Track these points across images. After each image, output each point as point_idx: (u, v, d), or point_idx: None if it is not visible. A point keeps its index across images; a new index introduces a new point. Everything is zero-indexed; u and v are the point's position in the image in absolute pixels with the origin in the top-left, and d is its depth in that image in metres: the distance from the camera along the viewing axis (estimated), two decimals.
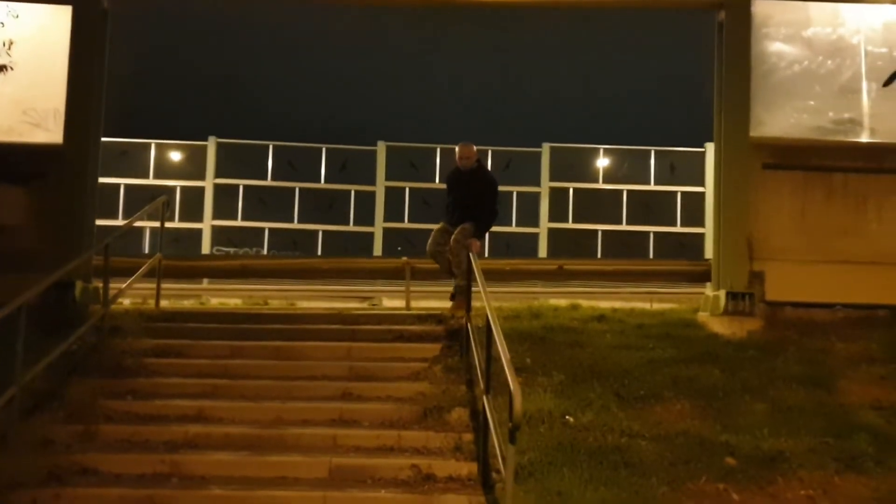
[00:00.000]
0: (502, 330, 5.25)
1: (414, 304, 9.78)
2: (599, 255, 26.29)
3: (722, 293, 8.28)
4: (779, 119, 8.48)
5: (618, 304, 9.59)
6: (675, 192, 28.17)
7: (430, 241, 7.95)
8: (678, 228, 27.91)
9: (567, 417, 5.98)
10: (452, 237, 7.69)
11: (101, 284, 7.21)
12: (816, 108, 8.49)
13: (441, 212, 8.35)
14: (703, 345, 7.55)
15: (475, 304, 6.82)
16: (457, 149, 8.05)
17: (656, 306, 9.83)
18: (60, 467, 5.18)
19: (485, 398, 5.34)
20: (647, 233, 27.97)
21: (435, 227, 8.08)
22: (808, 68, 8.56)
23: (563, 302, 9.44)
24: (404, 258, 10.30)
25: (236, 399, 6.23)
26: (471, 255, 6.83)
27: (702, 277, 10.07)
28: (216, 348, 7.07)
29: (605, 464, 5.38)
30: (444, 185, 8.25)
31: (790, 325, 8.02)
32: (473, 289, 6.85)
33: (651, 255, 26.68)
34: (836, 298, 8.19)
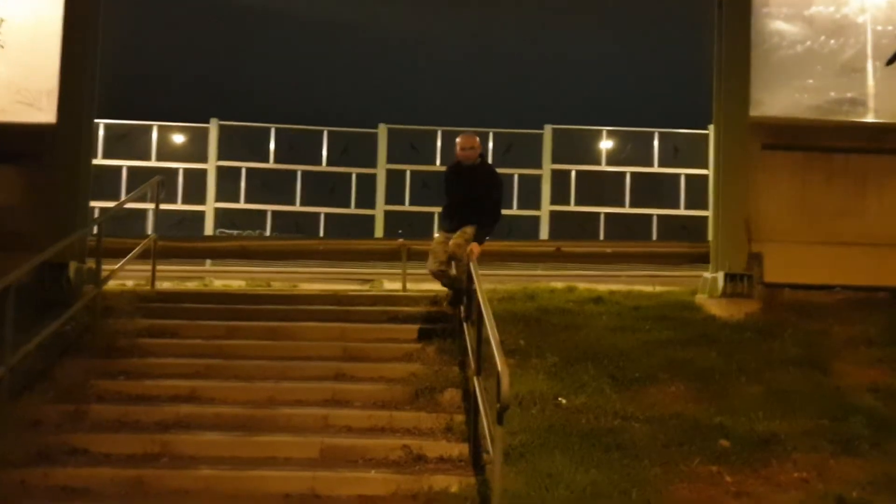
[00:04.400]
0: (496, 311, 5.24)
1: (411, 286, 9.74)
2: (602, 238, 26.14)
3: (720, 275, 8.22)
4: (779, 99, 8.39)
5: (616, 287, 9.51)
6: (679, 175, 27.95)
7: (430, 259, 6.94)
8: (681, 211, 27.72)
9: (560, 399, 5.96)
10: (453, 240, 6.83)
11: (95, 265, 7.18)
12: (817, 87, 8.41)
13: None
14: (700, 327, 7.51)
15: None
16: (458, 140, 7.05)
17: (657, 289, 9.74)
18: (50, 447, 5.17)
19: (475, 379, 5.31)
20: (650, 215, 27.80)
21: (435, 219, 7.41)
22: (809, 47, 8.46)
23: (559, 284, 9.38)
24: (400, 240, 10.27)
25: (229, 379, 6.23)
26: (471, 264, 6.14)
27: (701, 259, 9.98)
28: (211, 329, 7.06)
29: (597, 446, 5.36)
30: (445, 168, 7.44)
31: (788, 307, 7.95)
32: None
33: (654, 238, 26.51)
34: (835, 280, 8.12)
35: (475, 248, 6.57)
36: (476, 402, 5.27)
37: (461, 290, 6.76)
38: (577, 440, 5.40)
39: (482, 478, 4.97)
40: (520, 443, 5.30)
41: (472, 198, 6.86)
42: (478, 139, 7.14)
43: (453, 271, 6.92)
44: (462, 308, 6.64)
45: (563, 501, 4.70)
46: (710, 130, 28.07)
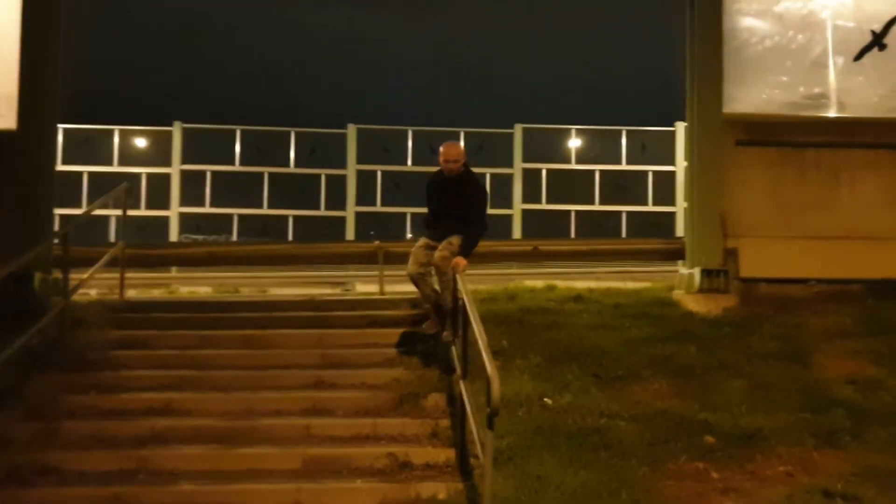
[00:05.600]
0: (478, 312, 5.14)
1: (387, 288, 9.64)
2: (573, 236, 26.32)
3: (697, 271, 8.26)
4: (751, 95, 8.45)
5: (593, 285, 9.53)
6: (647, 172, 28.26)
7: (410, 261, 6.66)
8: (650, 207, 28.04)
9: (545, 400, 5.92)
10: (437, 252, 6.52)
11: (61, 275, 6.96)
12: (788, 83, 8.49)
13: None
14: (679, 323, 7.52)
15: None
16: (441, 150, 6.71)
17: (632, 285, 9.78)
18: (20, 467, 4.97)
19: (461, 383, 5.23)
20: (620, 212, 28.04)
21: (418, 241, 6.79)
22: (779, 43, 8.53)
23: (539, 283, 9.36)
24: (377, 242, 10.16)
25: (205, 390, 6.06)
26: (457, 276, 5.89)
27: (676, 255, 10.05)
28: (184, 338, 6.88)
29: (584, 446, 5.32)
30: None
31: (765, 301, 8.02)
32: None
33: (624, 235, 26.77)
34: (809, 274, 8.21)
35: (461, 261, 6.24)
36: (462, 406, 5.20)
37: (444, 309, 6.48)
38: (564, 441, 5.36)
39: (470, 483, 4.91)
40: (507, 445, 5.23)
41: (457, 209, 6.59)
42: (462, 148, 6.88)
43: (435, 284, 6.66)
44: (447, 332, 6.33)
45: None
46: (677, 127, 28.43)
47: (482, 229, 6.65)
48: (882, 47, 8.40)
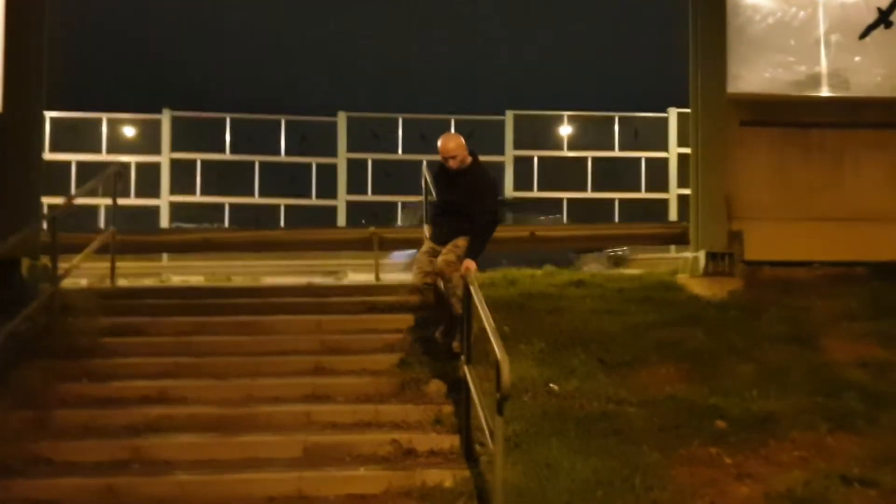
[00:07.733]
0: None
1: (381, 276, 9.52)
2: (565, 223, 26.29)
3: (701, 254, 8.15)
4: (755, 74, 8.32)
5: (593, 269, 9.40)
6: (639, 158, 28.24)
7: (414, 270, 6.09)
8: (642, 194, 28.02)
9: (551, 385, 5.79)
10: (441, 256, 5.86)
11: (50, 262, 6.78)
12: (793, 62, 8.36)
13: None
14: (685, 307, 7.39)
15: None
16: (439, 144, 5.88)
17: (633, 270, 9.67)
18: (10, 457, 4.80)
19: (466, 368, 5.09)
20: (613, 199, 28.01)
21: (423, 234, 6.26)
22: (782, 20, 8.40)
23: (537, 268, 9.22)
24: (372, 228, 10.04)
25: (202, 377, 5.91)
26: (468, 282, 5.26)
27: (677, 240, 9.97)
28: (178, 325, 6.71)
29: (593, 432, 5.21)
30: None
31: (770, 284, 7.91)
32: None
33: (616, 221, 26.72)
34: (814, 256, 8.11)
35: (470, 265, 5.59)
36: (467, 391, 5.05)
37: (453, 317, 5.89)
38: (572, 427, 5.25)
39: (477, 470, 4.79)
40: (513, 432, 5.10)
41: (464, 206, 5.87)
42: (461, 140, 5.93)
43: (443, 282, 6.05)
44: (456, 342, 5.87)
45: (566, 492, 4.51)
46: (670, 113, 28.43)
47: (493, 226, 5.99)
48: (888, 25, 8.26)
